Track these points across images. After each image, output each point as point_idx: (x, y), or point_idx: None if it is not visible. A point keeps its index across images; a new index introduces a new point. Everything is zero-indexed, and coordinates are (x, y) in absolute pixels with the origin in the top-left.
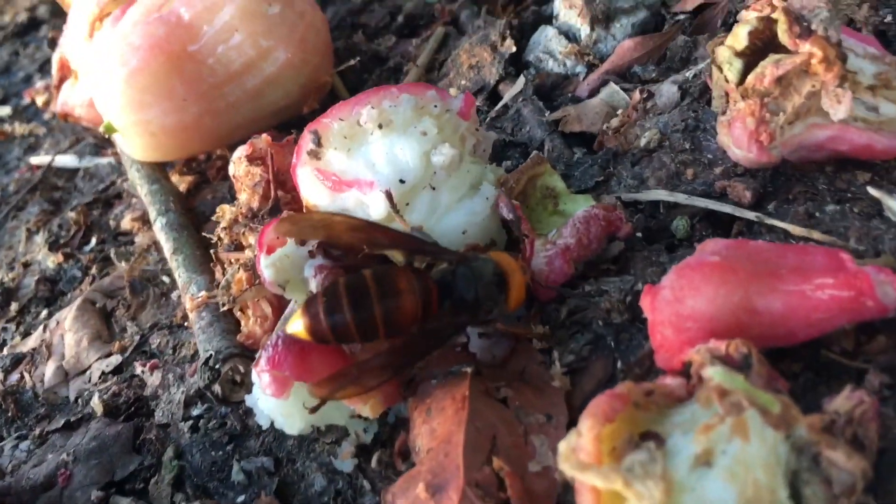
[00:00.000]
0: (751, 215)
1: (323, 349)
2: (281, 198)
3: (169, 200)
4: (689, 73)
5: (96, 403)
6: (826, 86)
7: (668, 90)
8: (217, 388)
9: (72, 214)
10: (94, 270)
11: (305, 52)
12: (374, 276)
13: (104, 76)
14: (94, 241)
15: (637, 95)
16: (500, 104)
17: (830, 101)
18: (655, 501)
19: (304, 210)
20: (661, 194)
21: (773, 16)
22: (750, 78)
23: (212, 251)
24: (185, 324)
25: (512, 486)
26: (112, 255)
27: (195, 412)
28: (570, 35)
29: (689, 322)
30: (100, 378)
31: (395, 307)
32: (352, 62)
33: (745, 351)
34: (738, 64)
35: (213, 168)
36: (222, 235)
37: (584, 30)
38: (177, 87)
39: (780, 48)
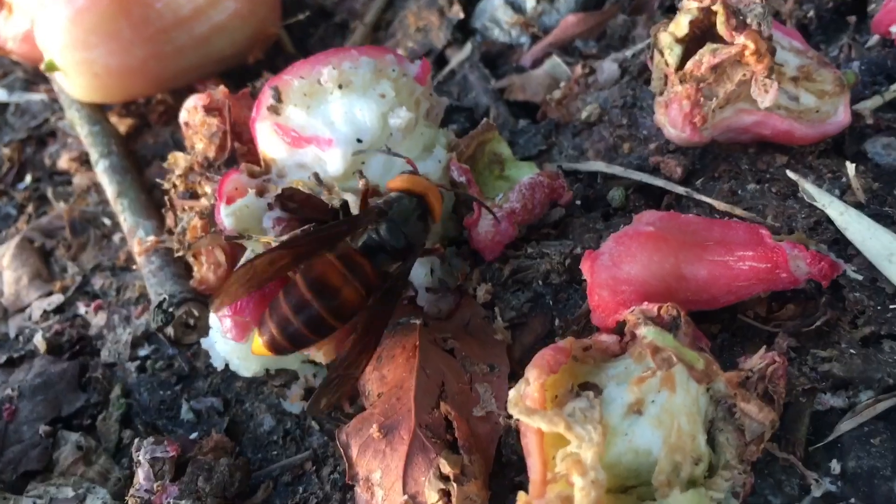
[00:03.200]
0: (681, 190)
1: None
2: (237, 149)
3: (111, 143)
4: (628, 53)
5: (39, 341)
6: (756, 76)
7: (609, 67)
8: (170, 330)
9: (6, 150)
10: (29, 209)
11: (254, 4)
12: (308, 282)
13: (48, 13)
14: (28, 178)
15: (579, 69)
16: (448, 69)
17: (759, 90)
18: (594, 443)
19: (262, 163)
20: (600, 166)
21: (713, 8)
22: (689, 64)
23: (165, 198)
24: (130, 266)
25: (459, 429)
26: (49, 194)
27: (142, 353)
28: (515, 6)
29: (624, 286)
30: (41, 316)
31: (338, 305)
32: (300, 16)
33: (674, 313)
34: (678, 50)
35: (154, 112)
36: (177, 183)
37: (530, 2)
38: (124, 29)
39: (716, 37)
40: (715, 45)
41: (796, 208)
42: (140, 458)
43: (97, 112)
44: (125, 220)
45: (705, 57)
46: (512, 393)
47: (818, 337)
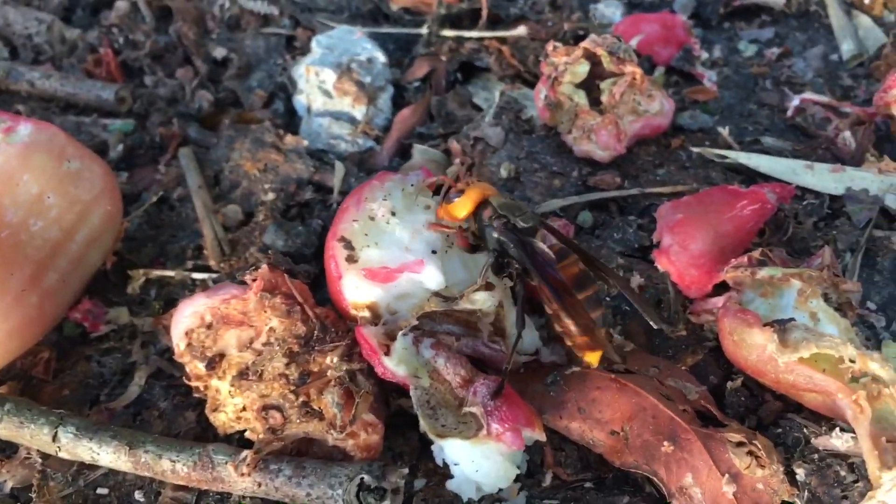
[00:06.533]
0: (634, 191)
1: (512, 391)
2: (319, 314)
3: (57, 414)
4: (488, 119)
5: None
6: (643, 90)
7: (494, 132)
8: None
9: None
10: None
11: (115, 200)
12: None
13: None
14: None
15: (456, 144)
16: (337, 192)
17: (646, 100)
18: (841, 345)
19: (356, 314)
20: (558, 203)
21: (598, 53)
22: (605, 98)
23: (290, 390)
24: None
25: (713, 408)
26: None
27: None
28: (344, 119)
29: (700, 259)
30: None
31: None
32: (153, 199)
33: (758, 255)
34: (581, 92)
35: (38, 365)
36: (289, 372)
37: (359, 111)
38: (8, 279)
39: (602, 74)
40: (612, 79)
41: (700, 173)
42: None
43: None
44: (185, 465)
45: (614, 89)
46: (772, 346)
47: (788, 243)
